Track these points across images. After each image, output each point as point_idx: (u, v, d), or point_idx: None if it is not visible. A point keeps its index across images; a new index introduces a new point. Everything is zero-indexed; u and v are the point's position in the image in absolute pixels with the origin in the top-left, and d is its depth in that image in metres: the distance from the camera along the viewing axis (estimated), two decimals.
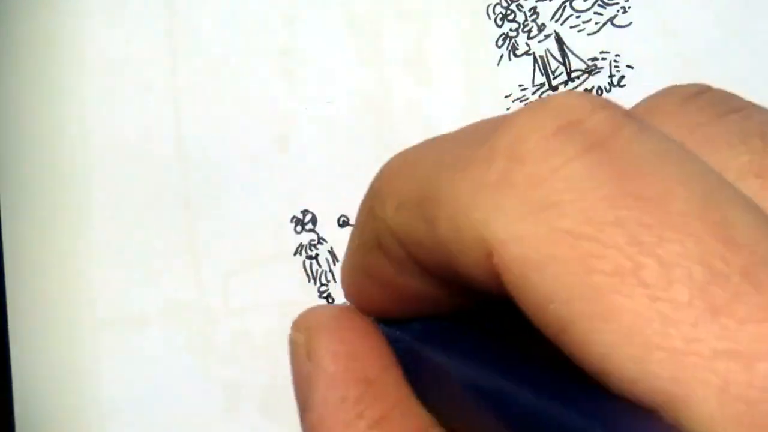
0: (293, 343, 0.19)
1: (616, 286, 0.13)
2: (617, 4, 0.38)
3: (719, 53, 0.37)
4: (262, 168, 0.38)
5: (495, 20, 0.38)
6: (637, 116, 0.14)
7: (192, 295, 0.38)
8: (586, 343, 0.13)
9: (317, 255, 0.38)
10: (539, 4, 0.38)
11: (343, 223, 0.38)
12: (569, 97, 0.14)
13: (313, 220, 0.38)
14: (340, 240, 0.38)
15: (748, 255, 0.12)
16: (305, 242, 0.38)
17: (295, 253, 0.38)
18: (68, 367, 0.38)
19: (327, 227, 0.38)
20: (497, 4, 0.38)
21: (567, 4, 0.38)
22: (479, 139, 0.15)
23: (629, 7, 0.38)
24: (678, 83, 0.18)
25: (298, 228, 0.38)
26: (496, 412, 0.15)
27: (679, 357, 0.12)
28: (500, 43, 0.38)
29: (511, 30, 0.38)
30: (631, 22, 0.38)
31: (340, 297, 0.38)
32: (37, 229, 0.38)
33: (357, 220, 0.18)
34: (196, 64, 0.38)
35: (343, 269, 0.19)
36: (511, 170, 0.14)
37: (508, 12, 0.38)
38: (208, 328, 0.38)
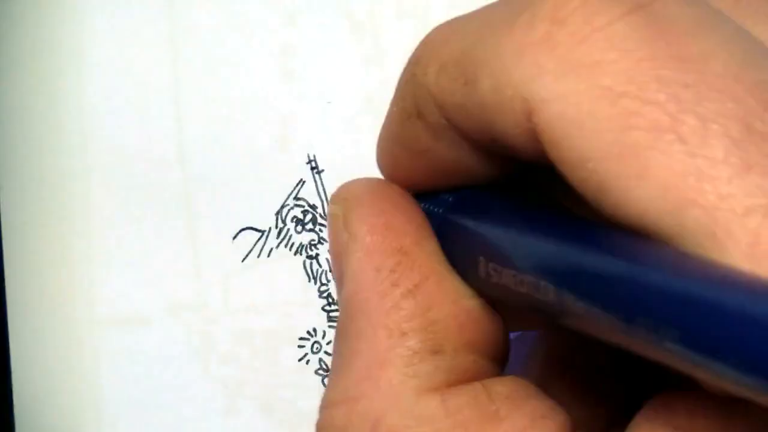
0: (331, 215, 0.19)
1: (653, 142, 0.13)
2: None
3: None
4: (262, 168, 0.38)
5: None
6: None
7: (192, 295, 0.38)
8: (623, 199, 0.13)
9: (317, 255, 0.38)
10: None
11: None
12: None
13: (314, 220, 0.38)
14: None
15: None
16: (305, 242, 0.38)
17: (295, 253, 0.38)
18: (68, 367, 0.38)
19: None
20: None
21: None
22: (523, 4, 0.15)
23: None
24: None
25: (299, 228, 0.38)
26: (533, 276, 0.15)
27: (713, 212, 0.12)
28: None
29: None
30: None
31: None
32: (37, 230, 0.38)
33: (396, 89, 0.18)
34: (197, 64, 0.38)
35: (379, 142, 0.19)
36: (553, 31, 0.14)
37: None
38: (208, 328, 0.38)
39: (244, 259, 0.38)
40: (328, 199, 0.38)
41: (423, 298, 0.17)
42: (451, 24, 0.17)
